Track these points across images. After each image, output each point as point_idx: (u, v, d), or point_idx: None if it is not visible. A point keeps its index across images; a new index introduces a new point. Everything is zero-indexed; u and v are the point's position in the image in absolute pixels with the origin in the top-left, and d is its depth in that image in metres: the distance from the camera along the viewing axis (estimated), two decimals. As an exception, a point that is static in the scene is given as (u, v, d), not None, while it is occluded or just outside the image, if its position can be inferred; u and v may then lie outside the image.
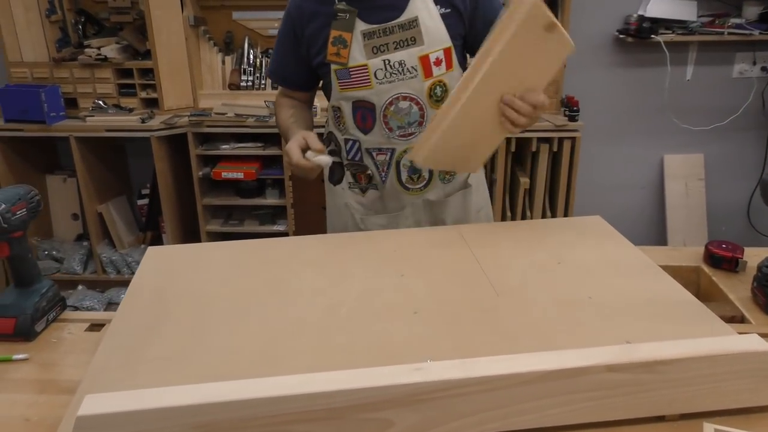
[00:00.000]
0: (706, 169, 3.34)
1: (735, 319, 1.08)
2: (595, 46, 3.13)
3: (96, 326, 1.08)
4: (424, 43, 1.37)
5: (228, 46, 3.12)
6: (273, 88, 3.10)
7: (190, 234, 3.20)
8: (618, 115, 3.26)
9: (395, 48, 1.37)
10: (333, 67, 1.40)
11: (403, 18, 1.36)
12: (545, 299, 1.05)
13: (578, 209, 3.26)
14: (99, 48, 2.86)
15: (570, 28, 2.96)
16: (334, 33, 1.37)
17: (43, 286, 1.09)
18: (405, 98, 1.39)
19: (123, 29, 3.00)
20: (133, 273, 3.09)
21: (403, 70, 1.38)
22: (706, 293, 1.23)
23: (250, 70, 3.08)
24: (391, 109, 1.40)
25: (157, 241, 3.17)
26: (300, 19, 1.42)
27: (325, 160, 1.32)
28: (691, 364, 0.80)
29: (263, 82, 3.10)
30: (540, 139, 2.84)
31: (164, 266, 1.22)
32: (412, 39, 1.37)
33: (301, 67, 1.50)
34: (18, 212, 1.01)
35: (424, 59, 1.38)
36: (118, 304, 3.16)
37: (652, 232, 3.47)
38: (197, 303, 1.07)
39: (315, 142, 1.32)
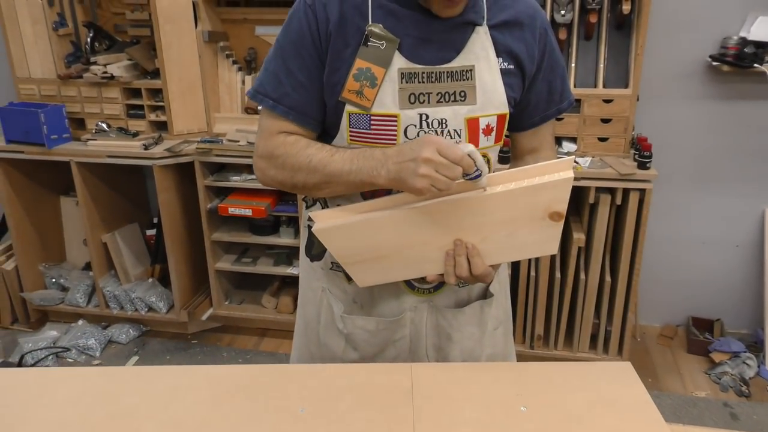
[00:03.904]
0: (821, 227, 2.68)
1: None
2: (680, 74, 2.54)
3: None
4: (476, 103, 1.04)
5: (249, 64, 2.80)
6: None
7: (199, 270, 2.90)
8: (705, 157, 2.65)
9: (438, 101, 1.02)
10: (348, 108, 1.02)
11: (456, 64, 1.01)
12: None
13: (647, 270, 2.71)
14: (105, 65, 2.61)
15: (648, 52, 2.41)
16: (360, 63, 1.00)
17: None
18: None
19: (138, 44, 2.75)
20: (136, 310, 2.88)
21: (443, 132, 1.02)
22: None
23: (270, 93, 2.73)
24: None
25: (166, 276, 2.89)
26: (325, 23, 1.01)
27: (471, 147, 0.90)
28: None
29: (284, 106, 2.74)
30: (600, 189, 2.32)
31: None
32: (462, 94, 1.03)
33: (320, 95, 1.06)
34: None
35: (473, 123, 1.04)
36: (118, 343, 2.94)
37: (746, 302, 2.82)
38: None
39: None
